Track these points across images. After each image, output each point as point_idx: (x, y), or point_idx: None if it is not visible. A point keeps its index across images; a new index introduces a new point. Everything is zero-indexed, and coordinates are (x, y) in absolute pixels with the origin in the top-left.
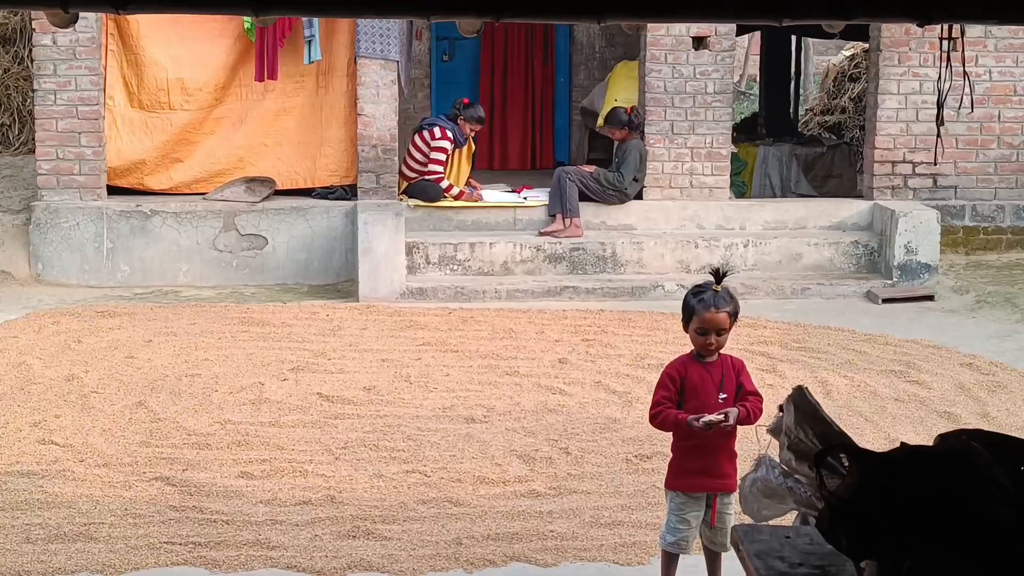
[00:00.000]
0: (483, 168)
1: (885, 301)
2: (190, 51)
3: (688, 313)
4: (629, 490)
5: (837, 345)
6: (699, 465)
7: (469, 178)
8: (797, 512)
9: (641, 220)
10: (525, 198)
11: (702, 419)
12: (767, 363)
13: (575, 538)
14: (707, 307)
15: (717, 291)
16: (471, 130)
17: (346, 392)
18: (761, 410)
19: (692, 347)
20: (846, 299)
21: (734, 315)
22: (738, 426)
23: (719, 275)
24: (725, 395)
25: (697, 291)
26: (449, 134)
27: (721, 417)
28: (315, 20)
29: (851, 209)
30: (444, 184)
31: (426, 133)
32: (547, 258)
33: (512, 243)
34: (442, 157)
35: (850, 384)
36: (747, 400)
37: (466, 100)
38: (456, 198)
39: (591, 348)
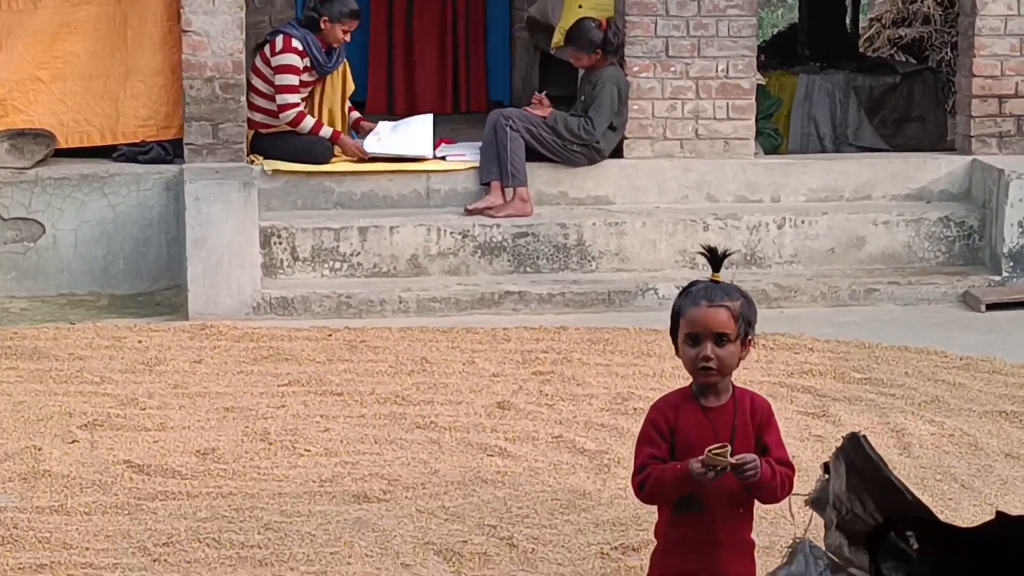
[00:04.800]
0: (378, 112)
1: (991, 307)
2: None
3: (674, 318)
4: None
5: (919, 375)
6: (694, 564)
7: (360, 118)
8: None
9: (622, 189)
10: (444, 157)
11: (708, 455)
12: (814, 404)
13: None
14: (696, 301)
15: (716, 281)
16: (343, 33)
17: (169, 459)
18: (792, 486)
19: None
20: (933, 305)
21: (744, 319)
22: (756, 500)
23: (717, 257)
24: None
25: (688, 287)
26: (296, 43)
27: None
28: None
29: (939, 169)
30: (306, 123)
31: (267, 47)
32: (479, 249)
33: (425, 227)
34: (292, 80)
35: (939, 433)
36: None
37: None
38: (331, 141)
39: (547, 386)
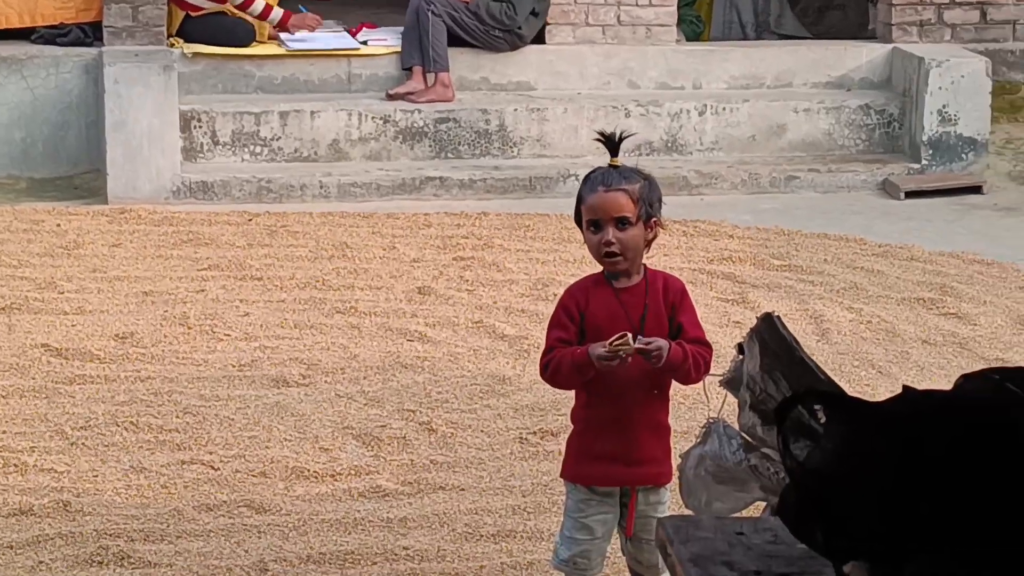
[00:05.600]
0: None
1: (910, 195)
2: None
3: (577, 206)
4: (524, 485)
5: (838, 262)
6: (607, 445)
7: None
8: (766, 504)
9: (543, 75)
10: (365, 42)
11: (609, 346)
12: (733, 290)
13: (441, 558)
14: (593, 187)
15: (615, 166)
16: None
17: (87, 343)
18: (708, 366)
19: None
20: (852, 192)
21: (646, 201)
22: (672, 382)
23: (612, 141)
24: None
25: (588, 174)
26: None
27: (633, 345)
28: None
29: (859, 57)
30: (256, 4)
31: None
32: (400, 134)
33: (346, 111)
34: None
35: (857, 319)
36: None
37: None
38: (279, 28)
39: (468, 271)
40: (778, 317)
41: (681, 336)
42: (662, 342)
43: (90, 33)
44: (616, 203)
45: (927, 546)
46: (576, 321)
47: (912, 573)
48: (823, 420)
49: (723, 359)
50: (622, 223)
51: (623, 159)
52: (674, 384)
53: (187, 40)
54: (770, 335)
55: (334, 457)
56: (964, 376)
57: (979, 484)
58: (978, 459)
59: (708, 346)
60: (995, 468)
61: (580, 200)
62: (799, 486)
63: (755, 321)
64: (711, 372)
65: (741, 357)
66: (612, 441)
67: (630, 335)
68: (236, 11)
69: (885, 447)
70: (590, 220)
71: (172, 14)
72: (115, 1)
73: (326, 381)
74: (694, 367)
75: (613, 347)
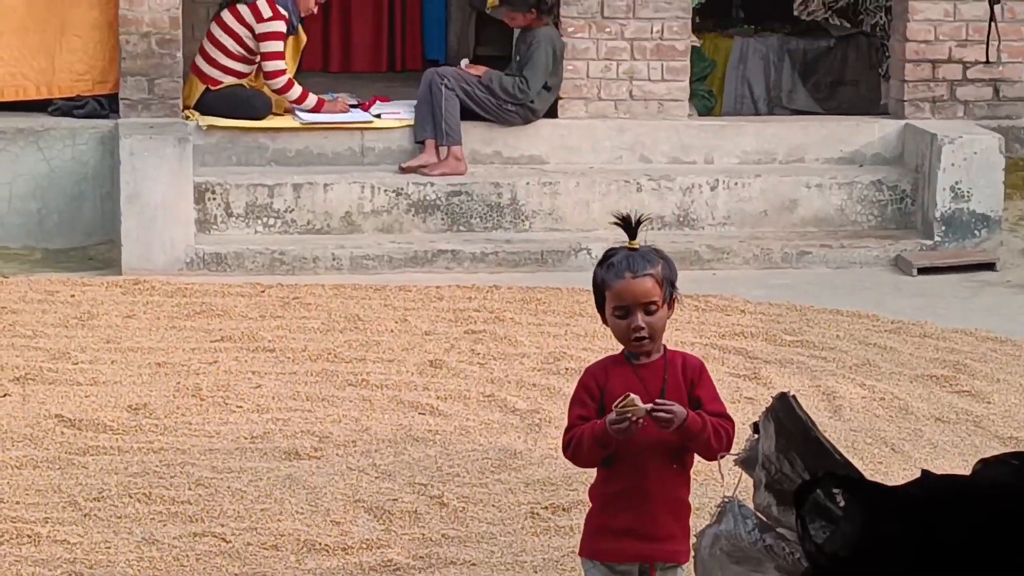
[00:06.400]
0: (313, 70)
1: (922, 272)
2: None
3: (598, 291)
4: (535, 560)
5: (851, 338)
6: (626, 520)
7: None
8: None
9: (556, 149)
10: (378, 115)
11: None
12: (746, 366)
13: None
14: (620, 273)
15: (634, 248)
16: (316, 3)
17: (101, 414)
18: (731, 439)
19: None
20: (864, 268)
21: (668, 282)
22: (693, 459)
23: (631, 225)
24: None
25: (606, 254)
26: (281, 10)
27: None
28: None
29: (872, 133)
30: (295, 90)
31: (245, 9)
32: (412, 207)
33: (359, 184)
34: (279, 47)
35: (869, 396)
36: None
37: None
38: (315, 110)
39: (479, 344)
40: (793, 397)
41: (702, 409)
42: (677, 407)
43: (106, 105)
44: (644, 289)
45: None
46: (596, 399)
47: None
48: (842, 503)
49: (737, 436)
50: (649, 308)
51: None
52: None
53: (207, 112)
54: (785, 415)
55: (345, 530)
56: (982, 461)
57: (998, 571)
58: (997, 547)
59: (729, 419)
60: (1014, 556)
61: (604, 285)
62: (818, 569)
63: (768, 398)
64: (724, 453)
65: (756, 436)
66: (631, 517)
67: (636, 396)
68: (254, 83)
69: (903, 532)
70: (617, 306)
71: (192, 86)
72: (131, 74)
73: (338, 454)
74: (714, 437)
75: (620, 409)
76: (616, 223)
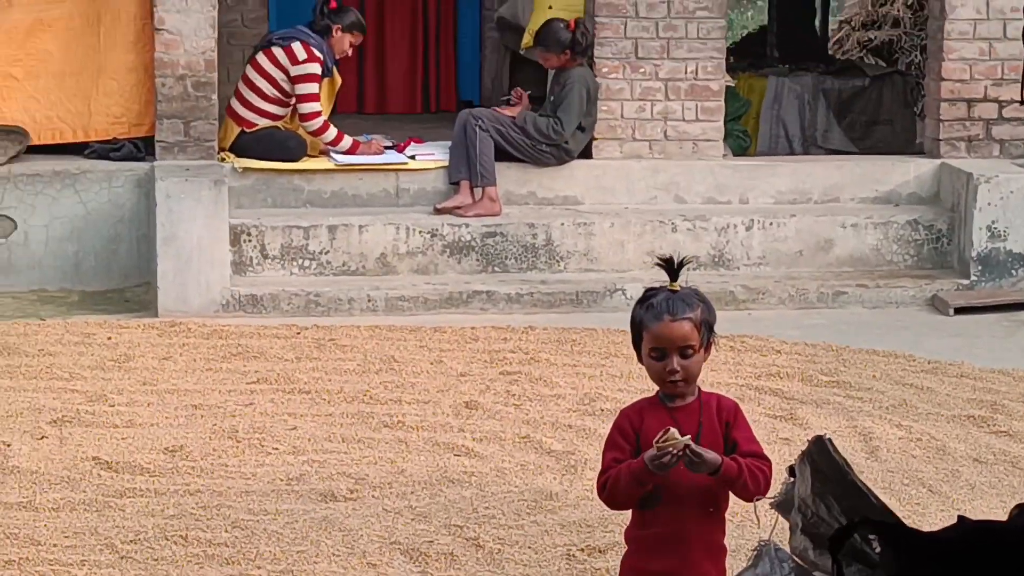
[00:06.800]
0: (347, 112)
1: (959, 311)
2: None
3: (636, 330)
4: None
5: (887, 378)
6: (662, 564)
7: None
8: None
9: (590, 190)
10: (413, 156)
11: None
12: (781, 406)
13: None
14: (659, 316)
15: (674, 291)
16: (351, 45)
17: (138, 456)
18: (768, 479)
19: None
20: (901, 308)
21: (706, 325)
22: (729, 502)
23: (673, 266)
24: None
25: (645, 294)
26: (317, 52)
27: (682, 440)
28: None
29: (907, 172)
30: (330, 132)
31: (280, 52)
32: (447, 248)
33: (394, 225)
34: (315, 89)
35: (906, 436)
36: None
37: (333, 2)
38: (350, 152)
39: (515, 386)
40: (829, 440)
41: (736, 452)
42: (710, 454)
43: (142, 148)
44: (682, 333)
45: None
46: (631, 441)
47: None
48: (878, 549)
49: (774, 477)
50: (686, 351)
51: (664, 275)
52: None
53: (242, 153)
54: (822, 458)
55: (382, 572)
56: (1019, 506)
57: None
58: None
59: (766, 460)
60: None
61: (641, 325)
62: None
63: (804, 439)
64: (760, 496)
65: (792, 480)
66: (668, 560)
67: (675, 430)
68: (289, 125)
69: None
70: (654, 348)
71: (227, 129)
72: (167, 117)
73: (374, 496)
74: (751, 479)
75: (660, 444)
76: (658, 264)
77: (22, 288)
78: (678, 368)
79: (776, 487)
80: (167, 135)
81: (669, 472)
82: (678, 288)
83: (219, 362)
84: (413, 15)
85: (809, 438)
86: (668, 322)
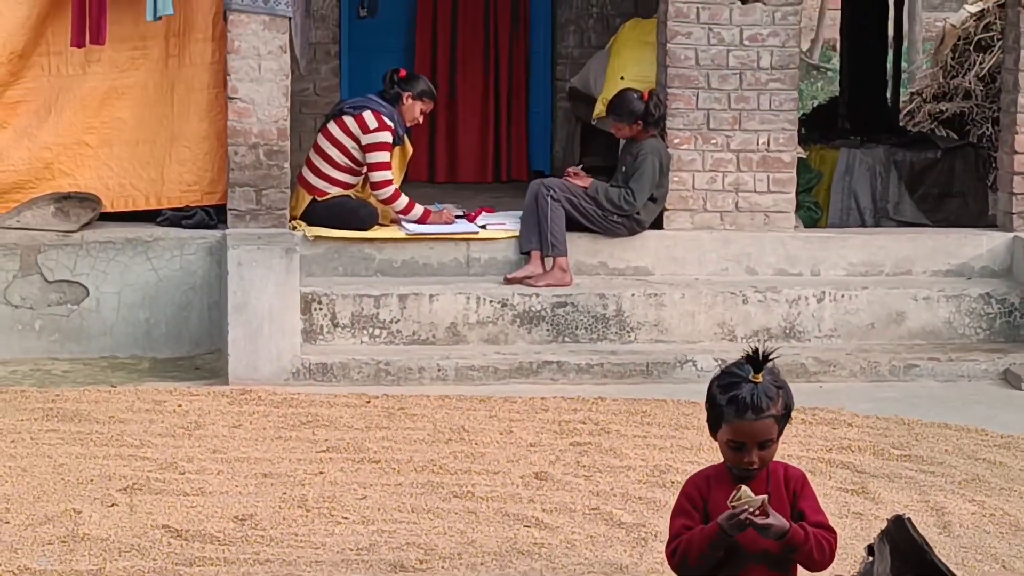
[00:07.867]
0: (418, 181)
1: None
2: None
3: (715, 417)
4: None
5: (959, 453)
6: None
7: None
8: None
9: (661, 261)
10: (484, 226)
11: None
12: (853, 480)
13: None
14: (741, 414)
15: (756, 383)
16: (421, 112)
17: (207, 524)
18: (833, 550)
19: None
20: (973, 382)
21: (786, 414)
22: (799, 564)
23: (758, 361)
24: None
25: (727, 381)
26: (388, 121)
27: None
28: None
29: (980, 246)
30: (401, 201)
31: (351, 121)
32: (518, 318)
33: (464, 295)
34: (386, 157)
35: (979, 512)
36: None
37: (403, 71)
38: (421, 221)
39: (585, 457)
40: (908, 519)
41: (803, 521)
42: (778, 519)
43: (214, 216)
44: (763, 429)
45: None
46: (700, 509)
47: None
48: None
49: (842, 550)
50: (764, 444)
51: (735, 346)
52: None
53: (313, 222)
54: (900, 537)
55: None
56: None
57: None
58: None
59: (832, 531)
60: None
61: (721, 417)
62: None
63: (875, 513)
64: (839, 573)
65: (871, 559)
66: None
67: (748, 489)
68: (360, 194)
69: None
70: (733, 440)
71: (299, 197)
72: (239, 185)
73: (443, 567)
74: (816, 548)
75: (735, 503)
76: (745, 359)
77: (93, 355)
78: (756, 460)
79: (855, 566)
80: (239, 203)
81: (738, 537)
82: (760, 380)
83: (289, 430)
84: (485, 84)
85: (888, 517)
86: (751, 421)
